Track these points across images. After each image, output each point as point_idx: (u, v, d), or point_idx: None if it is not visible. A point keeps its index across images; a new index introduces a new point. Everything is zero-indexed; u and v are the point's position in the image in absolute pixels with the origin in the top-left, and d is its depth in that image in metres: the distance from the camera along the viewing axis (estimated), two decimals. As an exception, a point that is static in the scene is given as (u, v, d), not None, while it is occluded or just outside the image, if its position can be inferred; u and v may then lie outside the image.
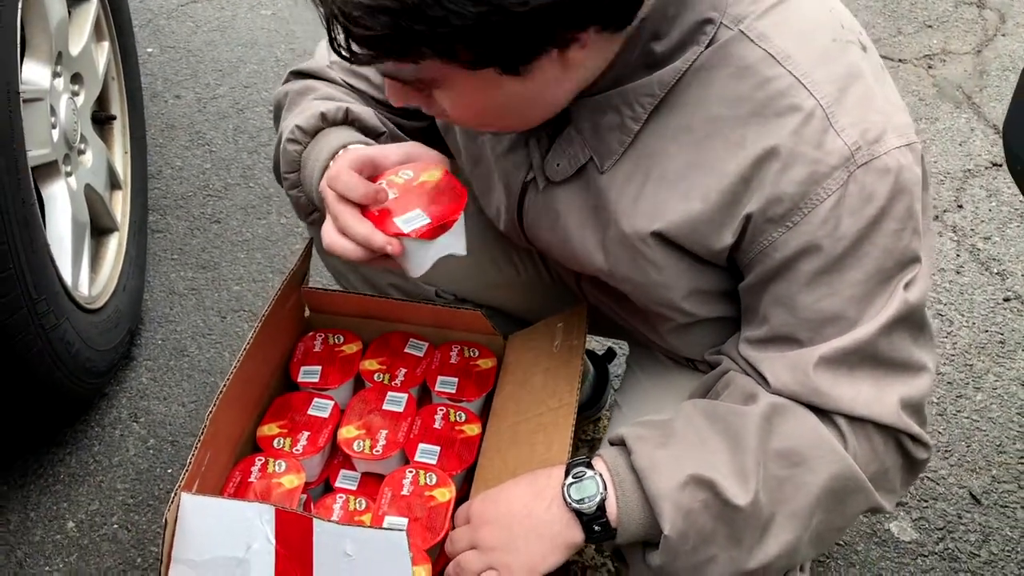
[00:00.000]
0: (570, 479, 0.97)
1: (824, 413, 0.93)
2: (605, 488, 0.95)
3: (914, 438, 0.95)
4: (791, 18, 0.92)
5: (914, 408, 0.95)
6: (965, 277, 2.07)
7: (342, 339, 1.32)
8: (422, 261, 1.03)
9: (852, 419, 0.93)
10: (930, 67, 2.85)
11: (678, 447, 0.95)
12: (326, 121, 1.10)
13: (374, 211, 1.01)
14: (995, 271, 2.09)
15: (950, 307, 1.99)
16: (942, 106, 2.66)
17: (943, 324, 1.95)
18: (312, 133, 1.09)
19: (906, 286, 0.92)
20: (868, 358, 0.92)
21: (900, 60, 2.86)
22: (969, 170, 2.39)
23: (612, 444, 1.00)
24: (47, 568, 1.41)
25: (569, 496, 0.96)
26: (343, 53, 0.82)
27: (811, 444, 0.92)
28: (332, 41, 0.83)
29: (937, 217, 2.24)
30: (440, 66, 0.82)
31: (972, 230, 2.21)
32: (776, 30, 0.90)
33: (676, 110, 0.93)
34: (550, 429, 1.11)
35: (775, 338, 0.95)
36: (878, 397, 0.92)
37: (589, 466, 0.97)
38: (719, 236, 0.94)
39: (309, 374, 1.27)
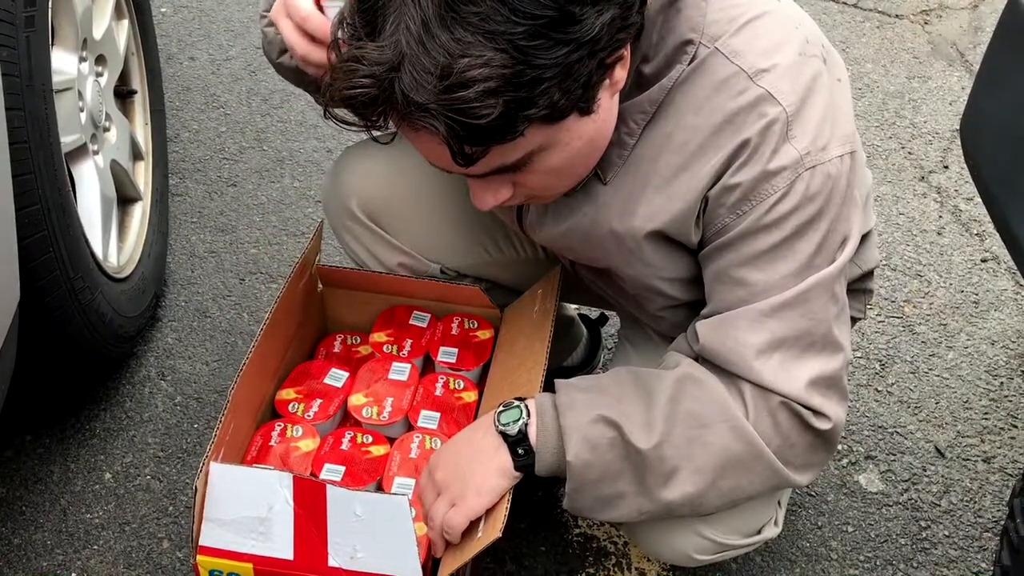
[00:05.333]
0: (501, 408, 1.11)
1: (732, 379, 1.05)
2: (529, 416, 1.09)
3: (815, 410, 1.05)
4: (762, 34, 1.03)
5: (826, 383, 1.06)
6: (945, 238, 2.17)
7: (359, 340, 1.44)
8: None
9: (757, 387, 1.04)
10: (926, 23, 2.90)
11: (598, 395, 1.09)
12: None
13: None
14: (975, 232, 2.19)
15: (929, 268, 2.10)
16: (935, 64, 2.73)
17: (921, 284, 2.06)
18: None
19: (830, 274, 1.04)
20: (788, 328, 1.03)
21: (897, 16, 2.91)
22: (957, 130, 2.46)
23: None
24: (88, 515, 1.56)
25: (498, 421, 1.10)
26: (459, 161, 0.89)
27: (715, 408, 1.05)
28: (452, 154, 0.88)
29: (923, 178, 2.33)
30: (537, 131, 0.90)
31: (956, 191, 2.30)
32: (748, 47, 1.02)
33: (663, 122, 1.05)
34: (524, 388, 1.23)
35: (715, 311, 1.08)
36: (786, 369, 1.04)
37: (521, 400, 1.11)
38: (696, 228, 1.07)
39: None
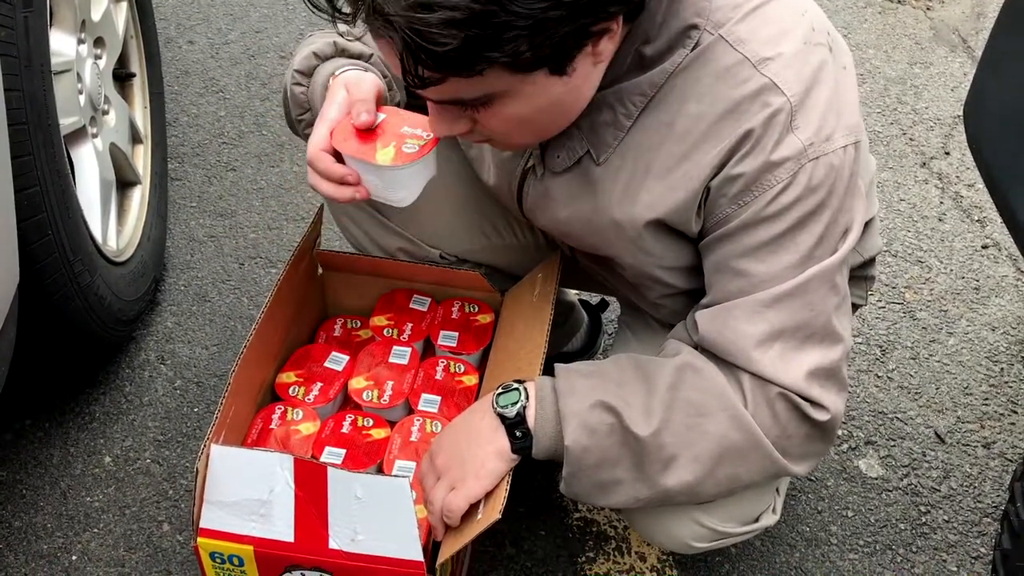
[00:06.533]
0: (500, 390, 1.11)
1: (731, 369, 1.05)
2: (527, 399, 1.09)
3: (813, 402, 1.05)
4: (767, 22, 1.02)
5: (825, 374, 1.05)
6: (947, 224, 2.17)
7: (359, 323, 1.44)
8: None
9: (756, 378, 1.04)
10: (928, 8, 2.89)
11: (599, 381, 1.08)
12: (318, 58, 1.19)
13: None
14: (976, 218, 2.18)
15: (930, 254, 2.09)
16: (937, 50, 2.71)
17: (922, 270, 2.05)
18: (309, 73, 1.20)
19: (831, 265, 1.04)
20: (787, 319, 1.03)
21: (899, 1, 2.90)
22: (959, 116, 2.46)
23: None
24: (88, 499, 1.56)
25: (496, 403, 1.10)
26: (410, 80, 0.89)
27: (714, 397, 1.04)
28: (404, 72, 0.88)
29: (924, 164, 2.33)
30: (499, 76, 0.90)
31: (957, 177, 2.29)
32: (753, 35, 1.01)
33: (663, 107, 1.04)
34: (524, 371, 1.22)
35: (715, 302, 1.08)
36: (785, 360, 1.03)
37: (520, 383, 1.11)
38: (698, 218, 1.06)
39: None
